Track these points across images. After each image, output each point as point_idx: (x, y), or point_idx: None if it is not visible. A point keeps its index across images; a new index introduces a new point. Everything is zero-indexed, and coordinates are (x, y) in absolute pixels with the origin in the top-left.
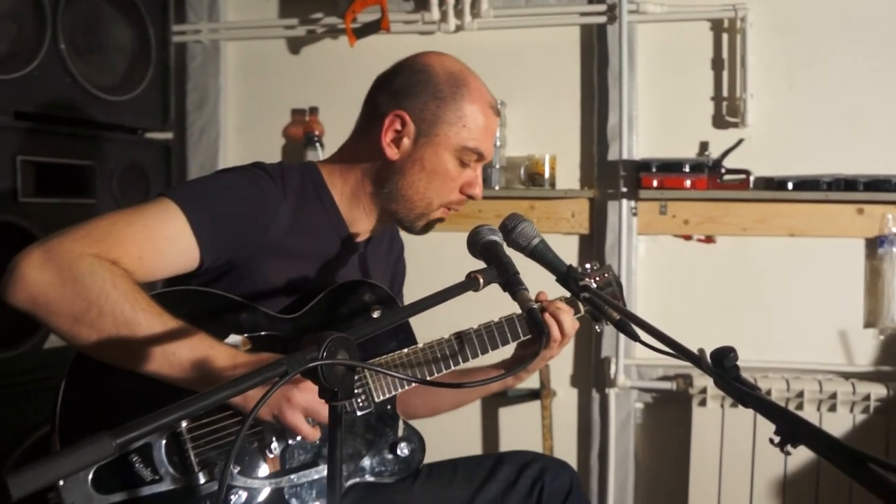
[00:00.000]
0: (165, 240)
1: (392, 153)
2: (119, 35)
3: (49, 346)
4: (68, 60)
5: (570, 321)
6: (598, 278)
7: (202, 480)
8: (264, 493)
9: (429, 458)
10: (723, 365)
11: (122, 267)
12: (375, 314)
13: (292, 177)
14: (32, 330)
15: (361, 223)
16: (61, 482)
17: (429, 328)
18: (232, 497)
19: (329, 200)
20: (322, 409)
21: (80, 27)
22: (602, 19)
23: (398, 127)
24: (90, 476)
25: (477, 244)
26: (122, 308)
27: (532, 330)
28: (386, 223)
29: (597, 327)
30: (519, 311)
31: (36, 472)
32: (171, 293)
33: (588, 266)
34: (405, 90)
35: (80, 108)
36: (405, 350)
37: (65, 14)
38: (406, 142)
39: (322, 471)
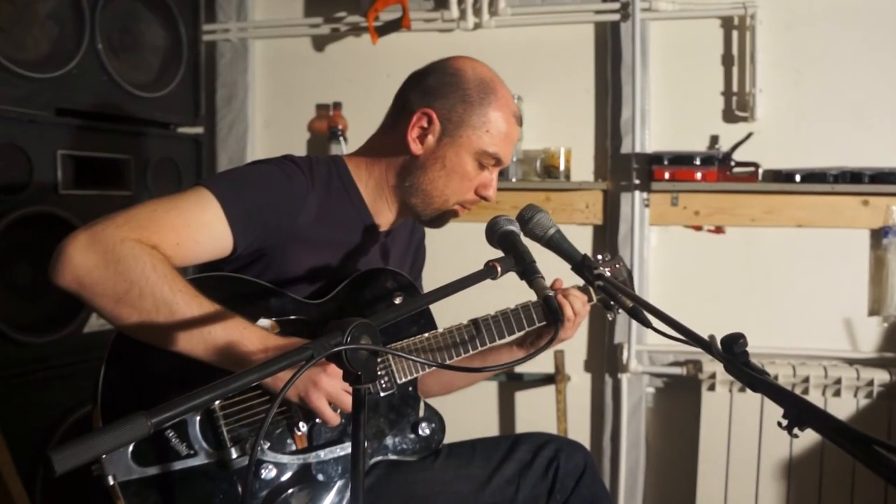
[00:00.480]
0: (201, 226)
1: (416, 148)
2: (153, 34)
3: (88, 330)
4: (105, 59)
5: (581, 302)
6: (609, 269)
7: (234, 455)
8: (292, 468)
9: (448, 438)
10: (733, 351)
11: (161, 252)
12: (397, 300)
13: (320, 169)
14: (72, 315)
15: (384, 214)
16: (104, 455)
17: (447, 313)
18: (262, 471)
19: (355, 192)
20: (345, 398)
21: (117, 27)
22: (616, 17)
23: (424, 124)
24: (130, 449)
25: (495, 234)
26: (161, 289)
27: (547, 317)
28: (405, 216)
29: (609, 315)
30: (533, 298)
31: (77, 450)
32: (205, 278)
33: (600, 257)
34: (435, 90)
35: (116, 104)
36: (425, 334)
37: (102, 15)
38: (430, 139)
39: (347, 448)
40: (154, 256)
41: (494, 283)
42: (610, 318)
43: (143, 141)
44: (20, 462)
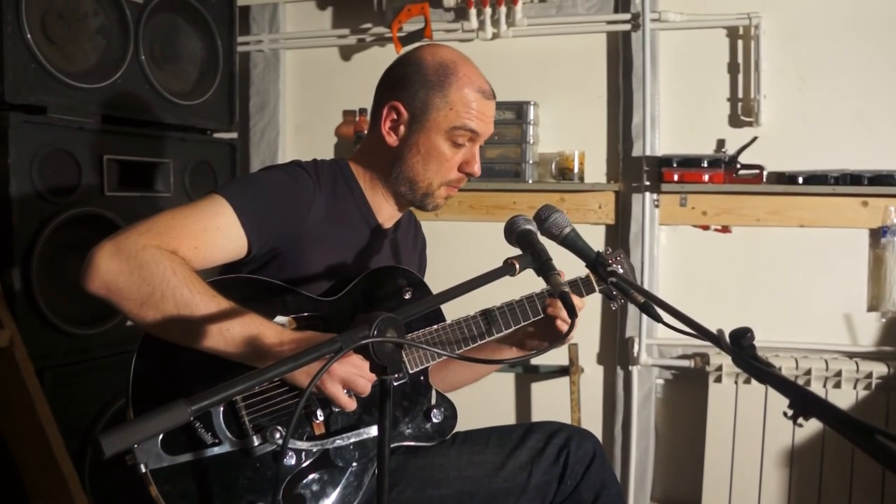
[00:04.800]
0: (216, 230)
1: (392, 140)
2: (191, 46)
3: (130, 323)
4: (148, 70)
5: (578, 300)
6: (611, 261)
7: (256, 443)
8: (312, 455)
9: (468, 426)
10: (740, 344)
11: (180, 256)
12: (407, 296)
13: (325, 171)
14: (115, 310)
15: (384, 210)
16: (136, 445)
17: (454, 305)
18: (284, 458)
19: (358, 191)
20: (358, 381)
21: (158, 40)
22: (627, 27)
23: (394, 116)
24: (160, 439)
25: (513, 233)
26: (181, 291)
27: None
28: (403, 206)
29: (612, 305)
30: (536, 291)
31: (124, 434)
32: (224, 280)
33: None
34: (399, 82)
35: (157, 111)
36: (435, 326)
37: (145, 29)
38: (402, 129)
39: (362, 433)
40: (174, 261)
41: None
42: (613, 308)
43: (182, 146)
44: (69, 443)
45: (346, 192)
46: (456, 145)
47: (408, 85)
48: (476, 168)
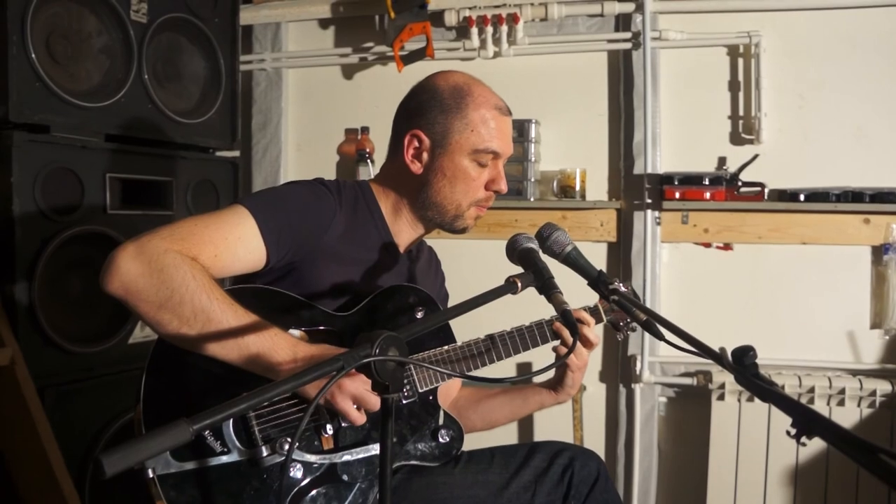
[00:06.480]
0: (237, 240)
1: (416, 168)
2: (194, 65)
3: (133, 341)
4: (151, 89)
5: (593, 334)
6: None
7: (265, 454)
8: (319, 468)
9: (470, 446)
10: (743, 362)
11: (200, 262)
12: (419, 314)
13: (347, 191)
14: (118, 327)
15: (405, 234)
16: (137, 464)
17: (468, 327)
18: (290, 470)
19: (378, 214)
20: (369, 397)
21: (161, 59)
22: (627, 46)
23: (416, 144)
24: None
25: (515, 251)
26: (199, 297)
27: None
28: (431, 229)
29: (618, 336)
30: (547, 319)
31: (125, 453)
32: (241, 290)
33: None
34: (417, 110)
35: (159, 130)
36: (445, 347)
37: (149, 48)
38: (426, 156)
39: (370, 450)
40: (194, 267)
41: (514, 299)
42: (619, 339)
43: (184, 164)
44: (70, 463)
45: (367, 213)
46: (480, 165)
47: (426, 112)
48: (503, 185)
